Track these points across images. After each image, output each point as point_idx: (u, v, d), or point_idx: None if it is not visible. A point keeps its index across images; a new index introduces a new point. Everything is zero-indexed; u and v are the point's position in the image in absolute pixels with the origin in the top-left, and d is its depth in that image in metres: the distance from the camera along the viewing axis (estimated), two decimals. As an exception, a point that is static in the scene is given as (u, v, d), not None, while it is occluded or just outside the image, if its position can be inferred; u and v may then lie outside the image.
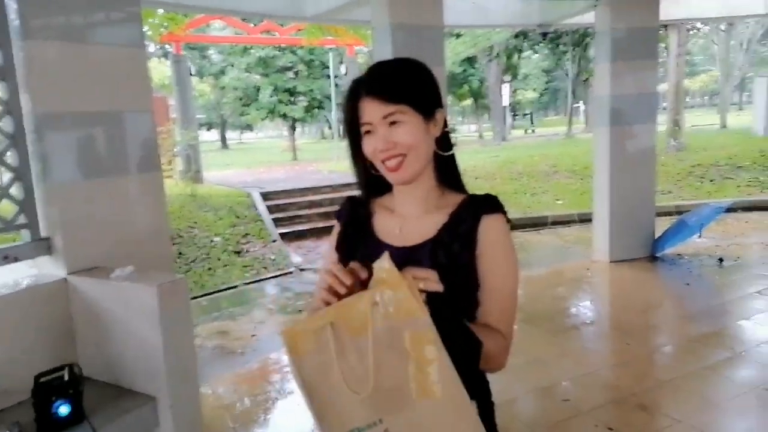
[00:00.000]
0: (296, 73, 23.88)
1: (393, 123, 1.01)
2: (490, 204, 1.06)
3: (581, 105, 32.48)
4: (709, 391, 3.04)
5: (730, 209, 6.33)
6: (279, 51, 22.75)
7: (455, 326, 0.92)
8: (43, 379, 1.90)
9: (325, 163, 15.74)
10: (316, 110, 25.82)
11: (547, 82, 34.70)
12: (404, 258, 1.05)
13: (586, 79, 24.41)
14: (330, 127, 34.28)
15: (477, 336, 0.94)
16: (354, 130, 1.07)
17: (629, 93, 5.48)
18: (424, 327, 0.81)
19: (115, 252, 2.70)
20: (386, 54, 4.38)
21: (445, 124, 1.09)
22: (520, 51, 27.28)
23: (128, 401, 2.28)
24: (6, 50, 2.27)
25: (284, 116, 23.30)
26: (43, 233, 2.46)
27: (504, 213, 1.06)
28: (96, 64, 2.59)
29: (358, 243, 1.14)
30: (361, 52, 18.85)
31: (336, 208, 1.28)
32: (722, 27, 23.93)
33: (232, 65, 25.81)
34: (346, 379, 0.84)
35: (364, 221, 1.16)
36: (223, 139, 35.00)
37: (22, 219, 2.39)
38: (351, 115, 1.06)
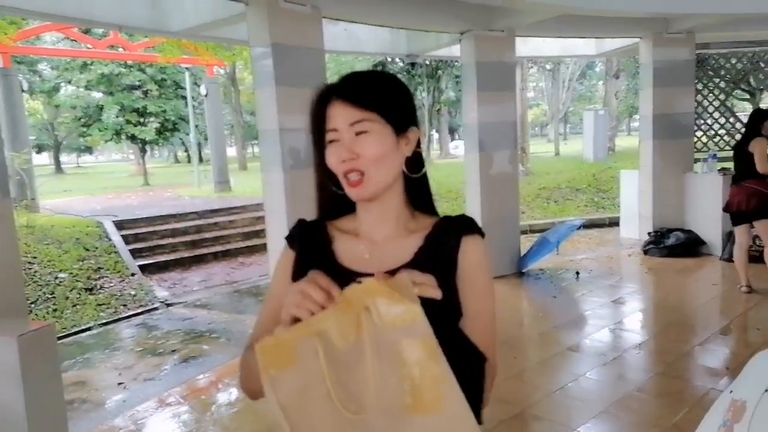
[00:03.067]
0: (146, 93, 22.33)
1: (360, 133, 0.92)
2: (469, 225, 1.00)
3: (434, 133, 34.57)
4: (593, 398, 3.27)
5: (580, 227, 7.02)
6: (125, 68, 21.10)
7: (455, 337, 0.85)
8: None
9: (184, 188, 14.80)
10: (169, 133, 24.32)
11: (402, 111, 36.39)
12: None
13: (439, 109, 26.02)
14: (186, 151, 32.43)
15: (479, 349, 0.88)
16: (320, 140, 0.97)
17: (493, 121, 5.88)
18: (423, 334, 0.72)
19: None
20: (266, 75, 4.21)
21: (418, 145, 1.01)
22: (378, 80, 28.29)
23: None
24: None
25: (133, 138, 21.56)
26: None
27: (482, 234, 1.01)
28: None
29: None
30: (219, 73, 18.18)
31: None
32: (548, 66, 27.16)
33: (69, 82, 23.41)
34: (337, 397, 0.71)
35: (322, 247, 1.03)
36: (57, 163, 31.43)
37: None
38: (318, 122, 0.96)
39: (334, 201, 1.03)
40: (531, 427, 3.02)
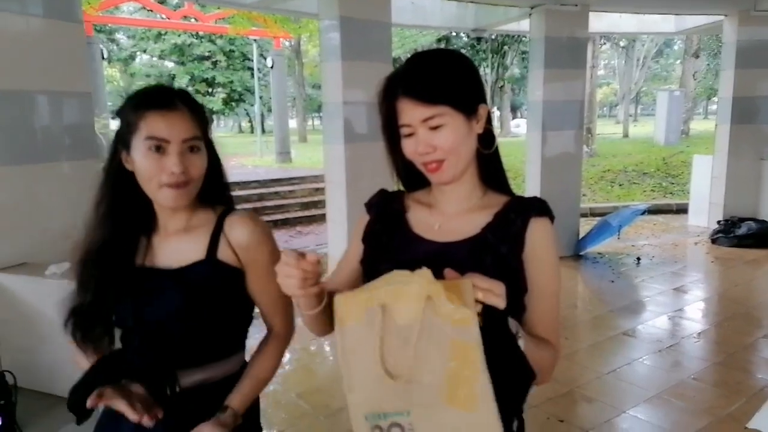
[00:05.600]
0: (215, 63, 22.98)
1: (434, 127, 0.96)
2: (540, 207, 1.03)
3: (495, 111, 33.82)
4: (646, 383, 3.22)
5: (644, 212, 6.78)
6: (196, 39, 21.77)
7: (510, 351, 0.88)
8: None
9: (247, 157, 15.25)
10: (235, 103, 24.99)
11: (465, 87, 35.66)
12: (441, 254, 1.00)
13: (502, 86, 25.39)
14: (250, 121, 33.31)
15: (531, 366, 0.92)
16: (391, 128, 1.02)
17: (559, 100, 5.72)
18: (471, 341, 0.78)
19: (48, 246, 2.43)
20: (333, 48, 4.29)
21: (488, 120, 1.03)
22: (442, 55, 27.84)
23: (65, 411, 2.05)
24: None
25: (201, 108, 22.41)
26: (-36, 223, 2.17)
27: (552, 217, 1.03)
28: (23, 38, 2.32)
29: (389, 237, 1.09)
30: (285, 45, 18.43)
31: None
32: (622, 43, 25.85)
33: (145, 51, 24.38)
34: (384, 361, 0.81)
35: (397, 215, 1.11)
36: (131, 129, 33.08)
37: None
38: (388, 114, 1.00)
39: (410, 175, 1.09)
40: (579, 406, 3.02)
